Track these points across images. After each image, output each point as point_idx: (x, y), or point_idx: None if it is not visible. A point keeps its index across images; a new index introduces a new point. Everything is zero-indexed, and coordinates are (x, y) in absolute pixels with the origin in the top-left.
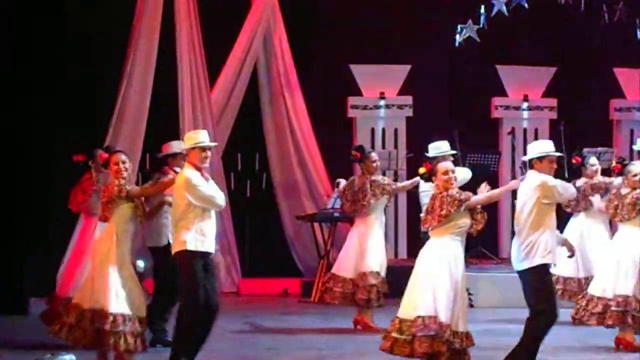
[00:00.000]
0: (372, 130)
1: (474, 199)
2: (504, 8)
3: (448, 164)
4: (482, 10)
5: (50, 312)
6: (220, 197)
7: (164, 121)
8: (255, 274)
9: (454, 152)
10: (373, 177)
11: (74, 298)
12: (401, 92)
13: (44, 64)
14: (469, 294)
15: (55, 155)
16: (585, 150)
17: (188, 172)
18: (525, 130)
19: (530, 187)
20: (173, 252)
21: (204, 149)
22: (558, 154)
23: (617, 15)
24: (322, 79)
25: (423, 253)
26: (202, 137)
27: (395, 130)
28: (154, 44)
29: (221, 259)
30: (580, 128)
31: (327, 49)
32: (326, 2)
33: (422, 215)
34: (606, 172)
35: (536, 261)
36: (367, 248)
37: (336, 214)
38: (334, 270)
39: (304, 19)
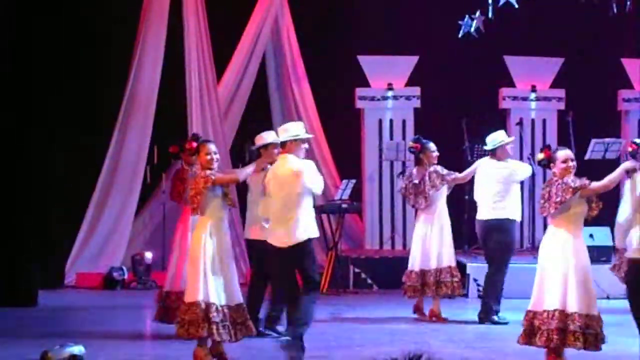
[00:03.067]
0: (380, 122)
1: (592, 186)
2: None
3: (568, 152)
4: (490, 1)
5: (162, 309)
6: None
7: (172, 114)
8: None
9: (511, 138)
10: (432, 168)
11: (185, 296)
12: (409, 83)
13: (44, 64)
14: (477, 284)
15: (55, 155)
16: (594, 141)
17: (302, 162)
18: (533, 121)
19: None
20: (299, 241)
21: (303, 140)
22: None
23: (627, 6)
24: (329, 70)
25: (544, 245)
26: (299, 130)
27: (403, 122)
28: (161, 37)
29: None
30: (588, 119)
31: (334, 40)
32: None
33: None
34: (616, 162)
35: None
36: (434, 243)
37: (344, 205)
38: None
39: (311, 10)
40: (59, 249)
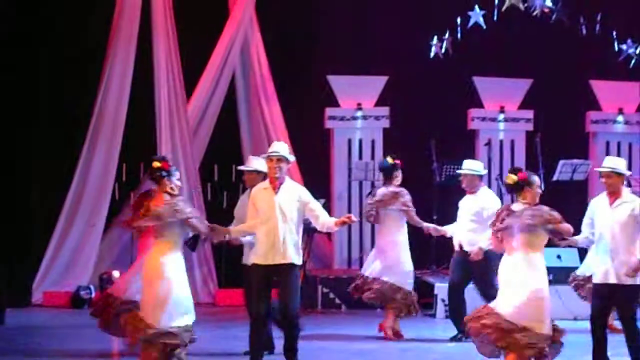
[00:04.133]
0: (349, 141)
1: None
2: (481, 20)
3: (534, 178)
4: (459, 22)
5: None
6: None
7: (141, 133)
8: (232, 285)
9: (482, 173)
10: (386, 190)
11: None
12: (378, 103)
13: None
14: (445, 305)
15: (34, 165)
16: (562, 162)
17: None
18: (501, 141)
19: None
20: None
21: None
22: None
23: (596, 28)
24: (299, 90)
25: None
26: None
27: (373, 142)
28: (130, 56)
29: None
30: (557, 140)
31: (304, 60)
32: (303, 13)
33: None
34: (583, 184)
35: None
36: (379, 261)
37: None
38: None
39: (281, 30)
40: (26, 267)
